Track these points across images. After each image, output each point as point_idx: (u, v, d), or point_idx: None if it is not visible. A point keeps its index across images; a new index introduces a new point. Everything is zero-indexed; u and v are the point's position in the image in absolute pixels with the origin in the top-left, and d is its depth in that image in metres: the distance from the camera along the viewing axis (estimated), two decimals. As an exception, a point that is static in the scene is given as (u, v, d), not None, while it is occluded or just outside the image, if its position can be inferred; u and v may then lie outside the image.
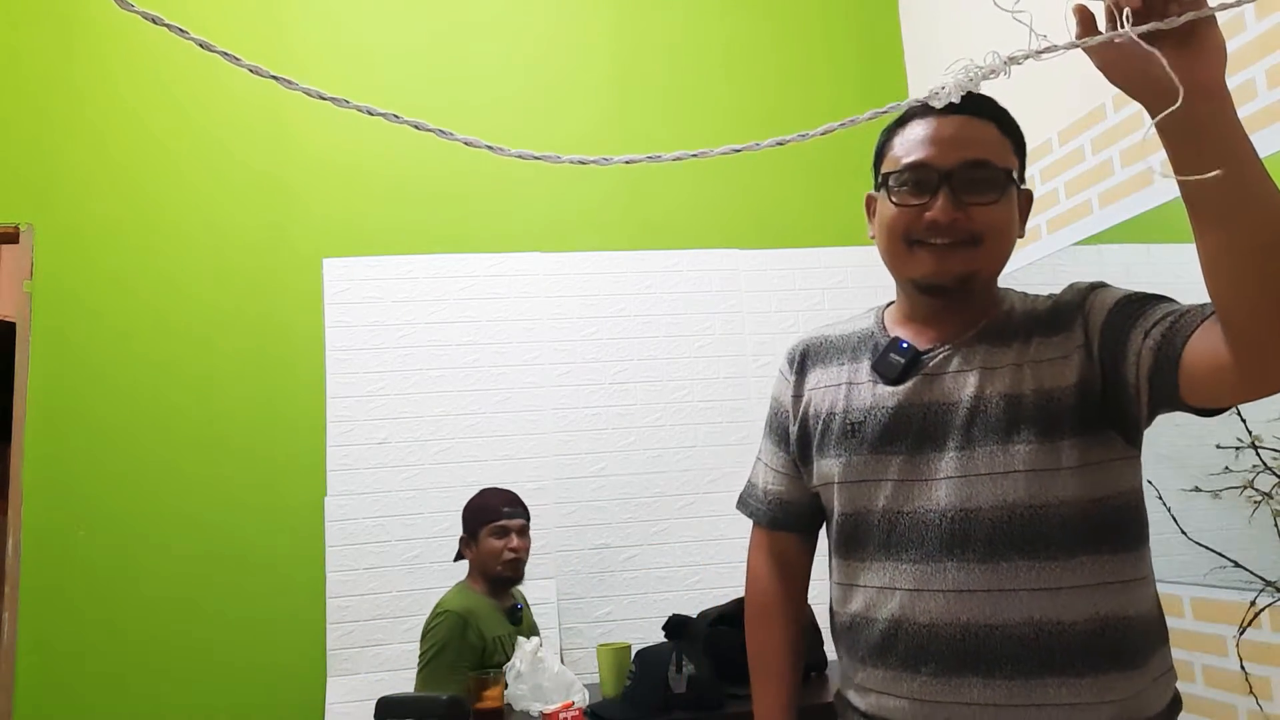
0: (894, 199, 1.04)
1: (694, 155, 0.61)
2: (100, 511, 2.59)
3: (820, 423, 1.12)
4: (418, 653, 2.27)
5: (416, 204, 2.89)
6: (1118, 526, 0.97)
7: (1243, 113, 1.77)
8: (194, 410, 2.69)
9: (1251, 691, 1.77)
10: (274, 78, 0.54)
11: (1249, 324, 0.75)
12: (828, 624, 1.17)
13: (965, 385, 1.01)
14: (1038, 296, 1.08)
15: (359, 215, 2.86)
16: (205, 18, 2.86)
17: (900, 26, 3.23)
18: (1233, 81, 1.78)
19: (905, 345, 1.06)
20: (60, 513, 2.57)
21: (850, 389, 1.10)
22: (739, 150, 0.61)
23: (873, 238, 1.13)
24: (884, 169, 1.07)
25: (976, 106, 1.02)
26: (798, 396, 1.17)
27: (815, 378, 1.16)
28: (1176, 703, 1.01)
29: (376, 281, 2.83)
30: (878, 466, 1.04)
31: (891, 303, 1.17)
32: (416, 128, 0.59)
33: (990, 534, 0.96)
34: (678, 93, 3.08)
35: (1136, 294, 0.97)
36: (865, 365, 1.10)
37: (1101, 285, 1.02)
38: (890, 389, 1.05)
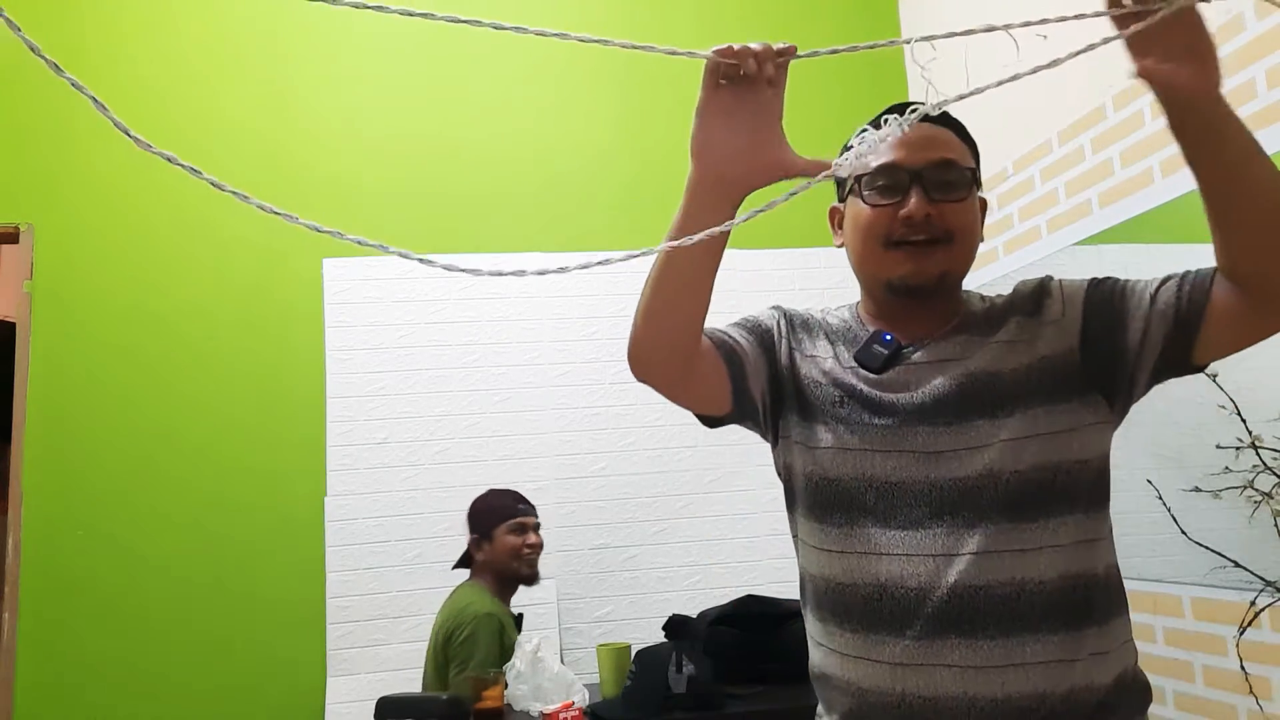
0: (866, 200, 1.07)
1: (641, 254, 0.72)
2: (100, 511, 2.59)
3: (808, 384, 1.11)
4: (428, 652, 2.26)
5: (417, 204, 2.89)
6: (1093, 488, 1.01)
7: (1242, 113, 1.77)
8: (194, 410, 2.69)
9: (1251, 691, 1.77)
10: (275, 213, 0.57)
11: (1266, 269, 0.89)
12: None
13: (947, 371, 1.04)
14: (994, 295, 1.13)
15: (359, 215, 2.86)
16: (204, 25, 2.87)
17: (901, 34, 3.23)
18: (1232, 81, 1.79)
19: (889, 338, 1.09)
20: (60, 513, 2.58)
21: (835, 366, 1.11)
22: (693, 240, 0.66)
23: (840, 245, 1.16)
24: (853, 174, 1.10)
25: (935, 116, 1.05)
26: (786, 339, 1.15)
27: (801, 340, 1.16)
28: (1140, 688, 1.02)
29: (376, 281, 2.83)
30: (865, 437, 1.05)
31: (859, 301, 1.19)
32: (444, 267, 0.61)
33: (978, 500, 0.98)
34: (679, 102, 3.08)
35: (1098, 276, 1.06)
36: (846, 353, 1.12)
37: (1051, 276, 1.10)
38: (874, 376, 1.07)
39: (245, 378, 2.73)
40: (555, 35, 0.78)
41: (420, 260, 0.65)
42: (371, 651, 2.63)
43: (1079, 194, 2.28)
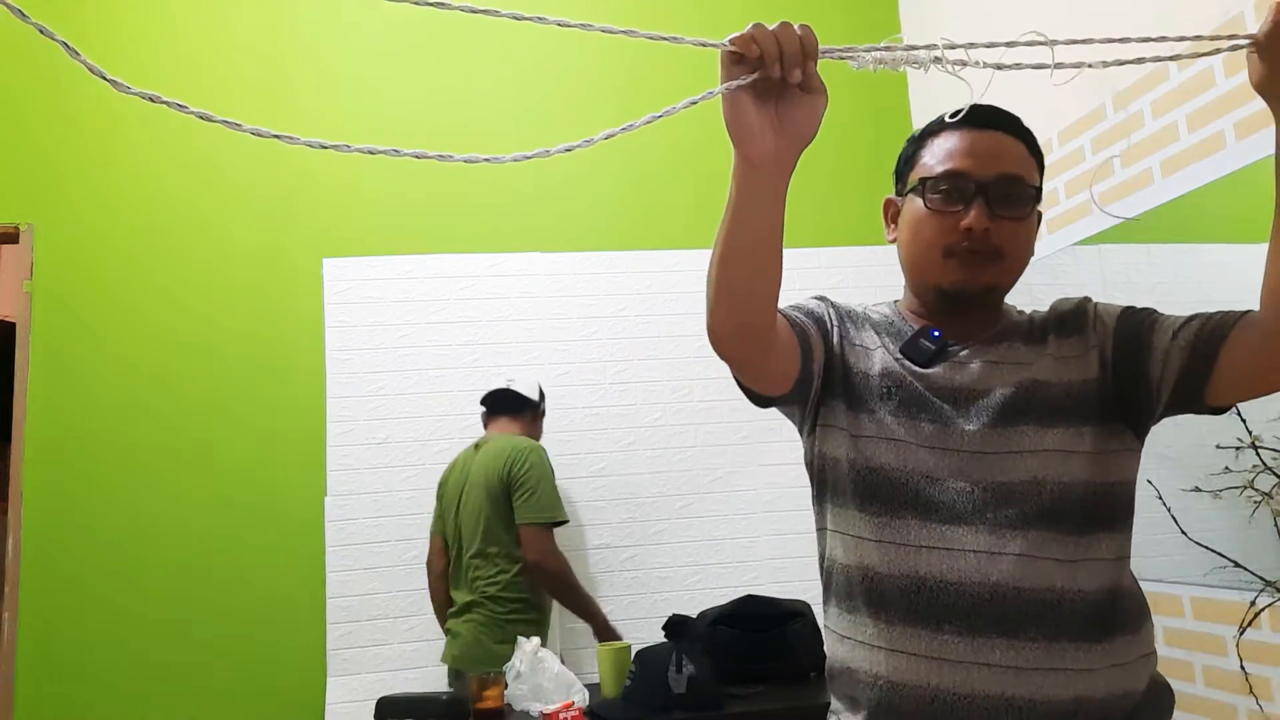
0: (929, 205, 1.06)
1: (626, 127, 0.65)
2: (99, 511, 2.60)
3: (857, 374, 1.10)
4: (477, 494, 2.39)
5: (416, 204, 2.90)
6: (1124, 508, 1.03)
7: (1243, 113, 1.77)
8: (194, 410, 2.69)
9: (1251, 691, 1.77)
10: (275, 136, 0.56)
11: None
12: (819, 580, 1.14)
13: (994, 374, 1.05)
14: (1033, 310, 1.14)
15: (359, 215, 2.86)
16: (204, 31, 2.87)
17: (900, 32, 3.24)
18: (1232, 81, 1.79)
19: (937, 334, 1.09)
20: (60, 513, 2.58)
21: (884, 358, 1.10)
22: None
23: (892, 240, 1.15)
24: (918, 174, 1.09)
25: (1008, 124, 1.07)
26: (837, 328, 1.14)
27: (849, 330, 1.15)
28: (1166, 689, 1.04)
29: (376, 281, 2.83)
30: (912, 430, 1.04)
31: (897, 300, 1.19)
32: (417, 157, 0.61)
33: (1022, 505, 0.99)
34: (676, 91, 3.08)
35: (1134, 305, 1.06)
36: (893, 345, 1.11)
37: (1089, 298, 1.10)
38: (921, 371, 1.07)
39: (245, 377, 2.73)
40: (578, 26, 0.77)
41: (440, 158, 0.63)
42: (372, 651, 2.63)
43: (1079, 194, 2.28)
